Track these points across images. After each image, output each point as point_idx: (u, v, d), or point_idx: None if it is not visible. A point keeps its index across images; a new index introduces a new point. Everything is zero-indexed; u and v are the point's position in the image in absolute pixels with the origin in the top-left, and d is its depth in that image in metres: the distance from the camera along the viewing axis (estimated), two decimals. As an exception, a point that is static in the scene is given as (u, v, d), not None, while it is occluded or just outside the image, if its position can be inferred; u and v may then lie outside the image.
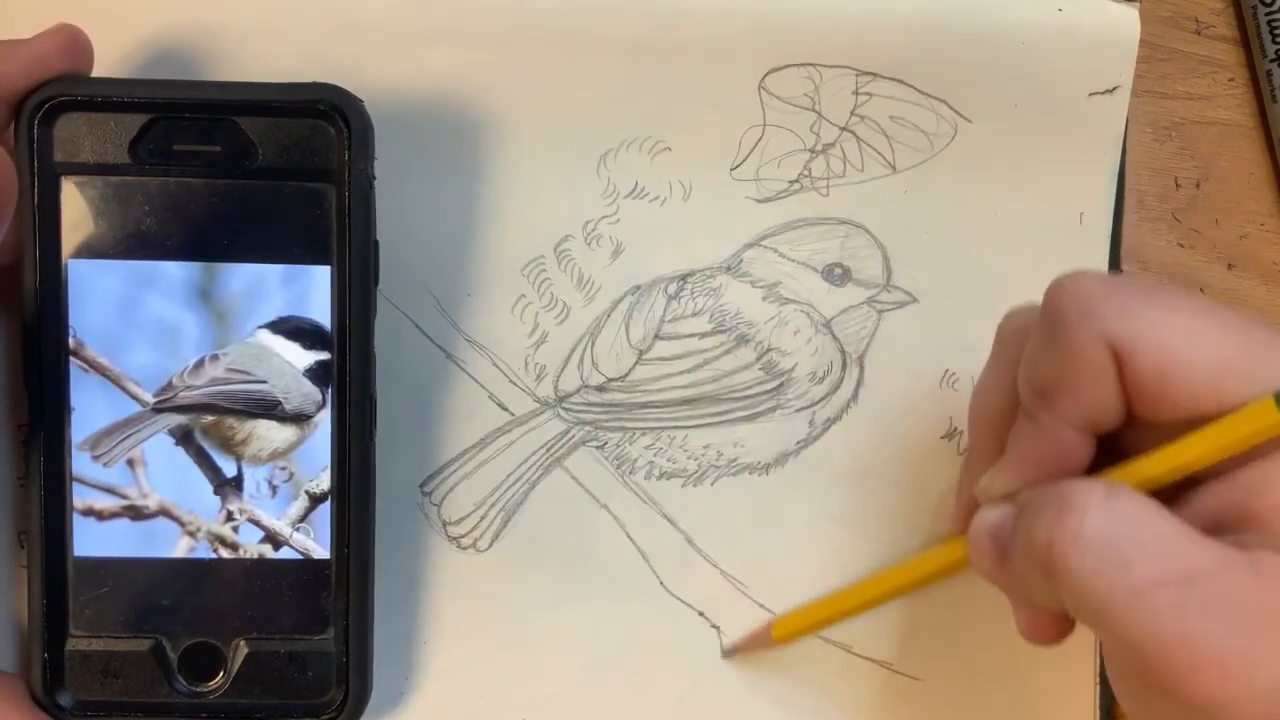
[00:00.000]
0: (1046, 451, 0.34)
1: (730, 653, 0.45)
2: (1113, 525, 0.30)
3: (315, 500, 0.41)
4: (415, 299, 0.45)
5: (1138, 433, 0.34)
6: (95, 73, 0.40)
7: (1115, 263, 0.46)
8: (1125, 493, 0.31)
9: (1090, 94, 0.45)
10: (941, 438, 0.46)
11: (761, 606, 0.45)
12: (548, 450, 0.45)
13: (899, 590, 0.40)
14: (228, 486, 0.41)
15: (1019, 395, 0.35)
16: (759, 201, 0.46)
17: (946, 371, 0.46)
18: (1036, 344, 0.34)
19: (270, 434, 0.41)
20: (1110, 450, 0.34)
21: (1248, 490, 0.32)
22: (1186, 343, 0.32)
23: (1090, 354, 0.32)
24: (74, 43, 0.39)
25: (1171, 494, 0.33)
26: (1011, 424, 0.36)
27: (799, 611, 0.44)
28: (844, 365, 0.46)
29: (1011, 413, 0.36)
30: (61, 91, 0.39)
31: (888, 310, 0.46)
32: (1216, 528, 0.32)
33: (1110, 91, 0.45)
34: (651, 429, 0.45)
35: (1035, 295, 0.45)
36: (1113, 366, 0.32)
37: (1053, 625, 0.36)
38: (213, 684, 0.41)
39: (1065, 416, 0.33)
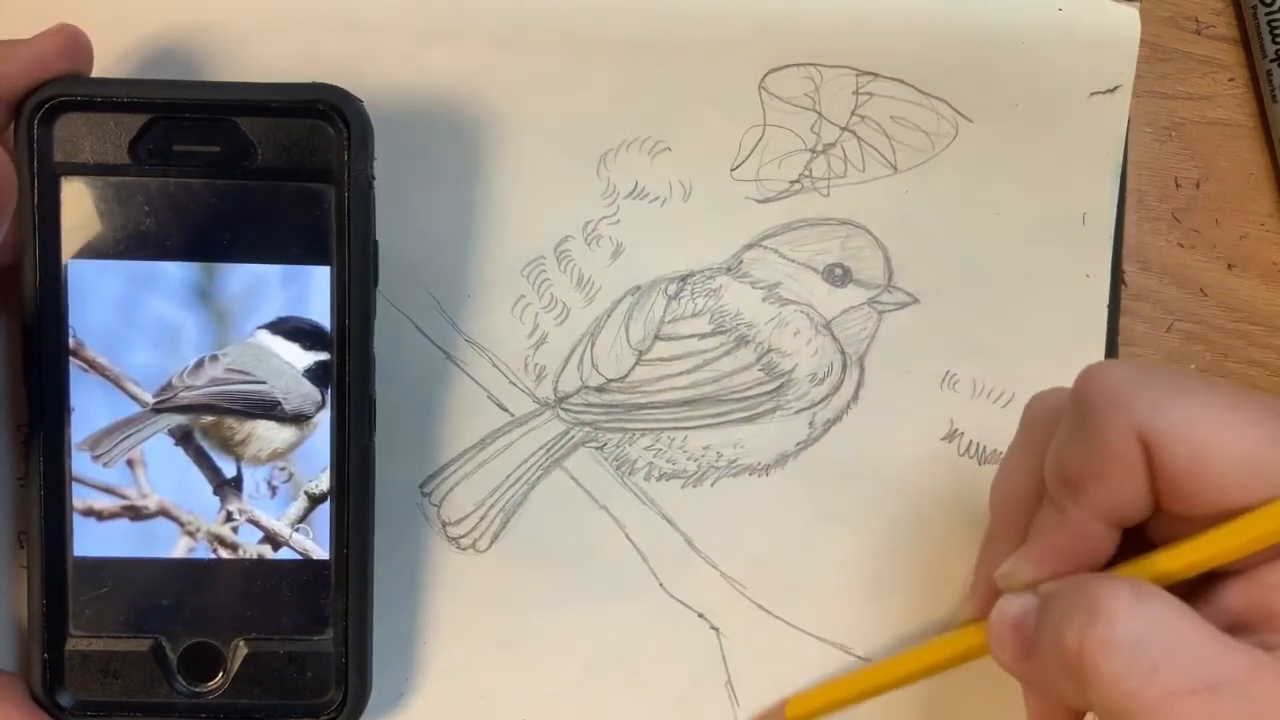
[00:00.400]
0: (1072, 543, 0.34)
1: None
2: (1141, 631, 0.30)
3: (314, 501, 0.41)
4: (415, 299, 0.45)
5: (1162, 522, 0.34)
6: (95, 73, 0.40)
7: (1117, 263, 0.46)
8: (1153, 595, 0.31)
9: (1091, 94, 0.45)
10: (942, 439, 0.46)
11: (761, 607, 0.45)
12: (547, 451, 0.45)
13: (917, 674, 0.40)
14: (227, 487, 0.41)
15: (1045, 482, 0.35)
16: (759, 202, 0.46)
17: (947, 373, 0.46)
18: (1065, 433, 0.34)
19: (270, 434, 0.41)
20: (1133, 535, 0.34)
21: (1272, 588, 0.32)
22: (1218, 437, 0.31)
23: (1121, 446, 0.32)
24: (74, 43, 0.39)
25: (1195, 586, 0.33)
26: (1034, 509, 0.36)
27: (815, 691, 0.43)
28: (844, 366, 0.46)
29: (1035, 498, 0.36)
30: (61, 91, 0.39)
31: (889, 311, 0.46)
32: (1241, 626, 0.32)
33: (1111, 91, 0.46)
34: (651, 430, 0.45)
35: (1038, 297, 0.46)
36: (1143, 459, 0.32)
37: (1065, 718, 0.36)
38: (212, 684, 0.41)
39: (1093, 508, 0.33)
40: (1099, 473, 0.33)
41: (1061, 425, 0.34)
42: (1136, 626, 0.30)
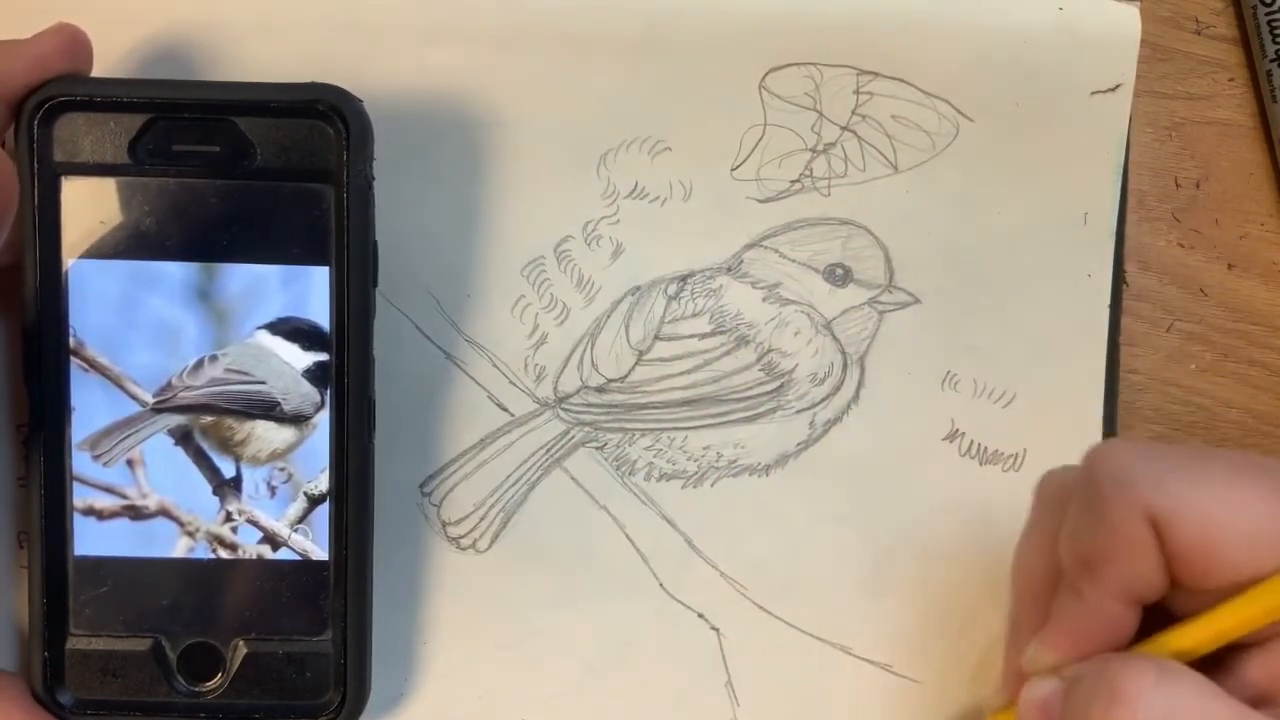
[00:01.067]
0: (1092, 625, 0.34)
1: None
2: (1164, 712, 0.30)
3: (314, 501, 0.41)
4: (415, 299, 0.45)
5: (1182, 596, 0.33)
6: (96, 72, 0.40)
7: (1119, 263, 0.46)
8: (1177, 675, 0.31)
9: (1092, 92, 0.45)
10: (943, 439, 0.46)
11: (761, 608, 0.45)
12: (547, 451, 0.45)
13: None
14: (227, 487, 0.42)
15: (1061, 563, 0.35)
16: (760, 201, 0.46)
17: (949, 373, 0.46)
18: (1077, 514, 0.34)
19: (269, 435, 0.41)
20: (1157, 610, 0.34)
21: None
22: (1225, 511, 0.31)
23: (1130, 527, 0.32)
24: (74, 42, 0.39)
25: (1218, 659, 0.33)
26: (1054, 588, 0.35)
27: None
28: (845, 366, 0.46)
29: (1054, 577, 0.36)
30: (61, 91, 0.39)
31: (889, 311, 0.46)
32: (1263, 698, 0.32)
33: (1112, 90, 0.46)
34: (651, 430, 0.46)
35: (1039, 296, 0.46)
36: (1153, 538, 0.32)
37: None
38: (211, 684, 0.41)
39: (1109, 589, 0.33)
40: (1112, 554, 0.33)
41: (1072, 506, 0.34)
42: (1159, 707, 0.30)
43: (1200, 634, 0.33)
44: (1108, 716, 0.30)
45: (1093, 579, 0.33)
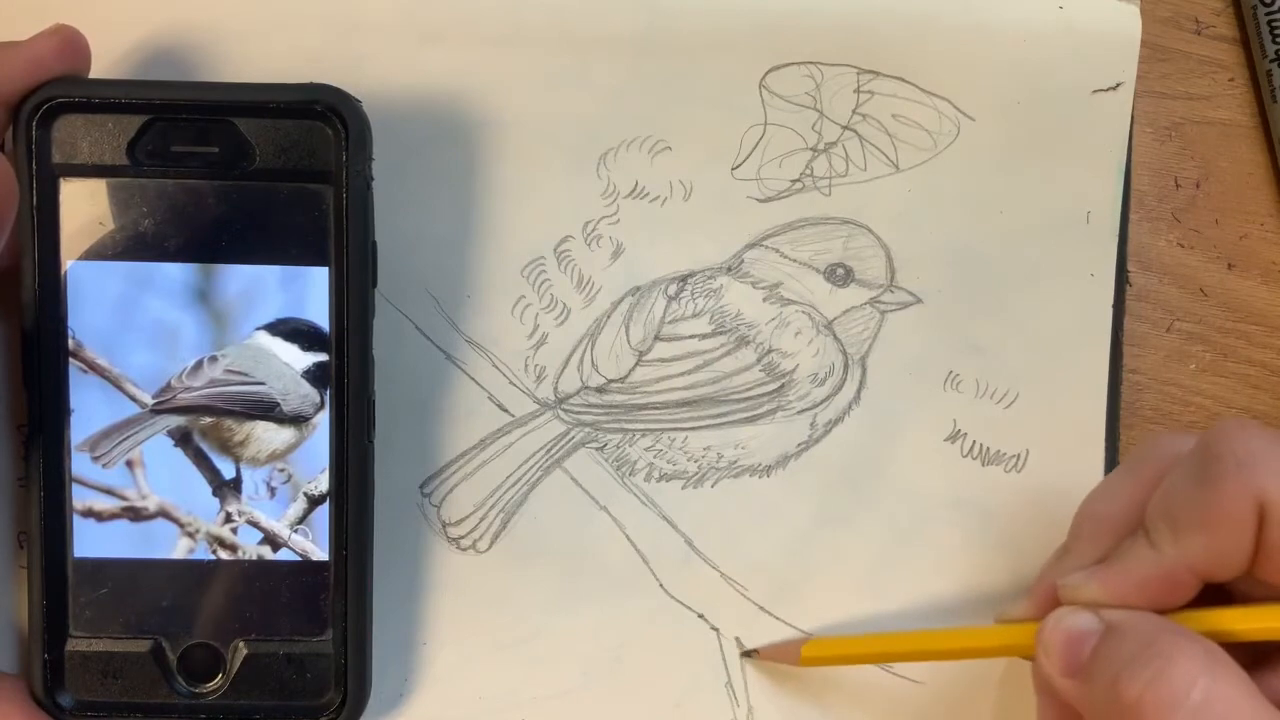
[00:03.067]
0: (1155, 582, 0.34)
1: (750, 654, 0.45)
2: (1203, 700, 0.30)
3: (314, 502, 0.42)
4: (415, 300, 0.45)
5: (1245, 581, 0.34)
6: (95, 73, 0.41)
7: (1122, 262, 0.46)
8: (1223, 666, 0.31)
9: (1093, 91, 0.46)
10: (945, 440, 0.46)
11: (761, 609, 0.45)
12: (547, 452, 0.46)
13: (944, 654, 0.41)
14: (226, 488, 0.42)
15: (1143, 515, 0.35)
16: (760, 201, 0.46)
17: (950, 373, 0.46)
18: (1183, 478, 0.34)
19: (269, 435, 0.42)
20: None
21: None
22: None
23: (1237, 506, 0.32)
24: (71, 43, 0.39)
25: (1257, 655, 0.34)
26: (1121, 535, 0.36)
27: (835, 640, 0.44)
28: (846, 367, 0.46)
29: (1126, 526, 0.36)
30: (60, 93, 0.39)
31: (891, 311, 0.46)
32: None
33: (1114, 88, 0.46)
34: (652, 430, 0.46)
35: (1042, 296, 0.46)
36: (1255, 524, 0.32)
37: None
38: (211, 685, 0.42)
39: (1189, 556, 0.34)
40: (1209, 524, 0.33)
41: (1180, 468, 0.35)
42: (1199, 694, 0.30)
43: (1253, 622, 0.33)
44: (1149, 687, 0.31)
45: (1177, 541, 0.34)
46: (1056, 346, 0.46)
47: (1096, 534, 0.37)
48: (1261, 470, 0.32)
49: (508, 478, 0.46)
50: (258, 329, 0.41)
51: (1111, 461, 0.47)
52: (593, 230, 0.46)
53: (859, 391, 0.46)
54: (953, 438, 0.46)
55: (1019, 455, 0.46)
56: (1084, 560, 0.37)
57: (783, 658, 0.44)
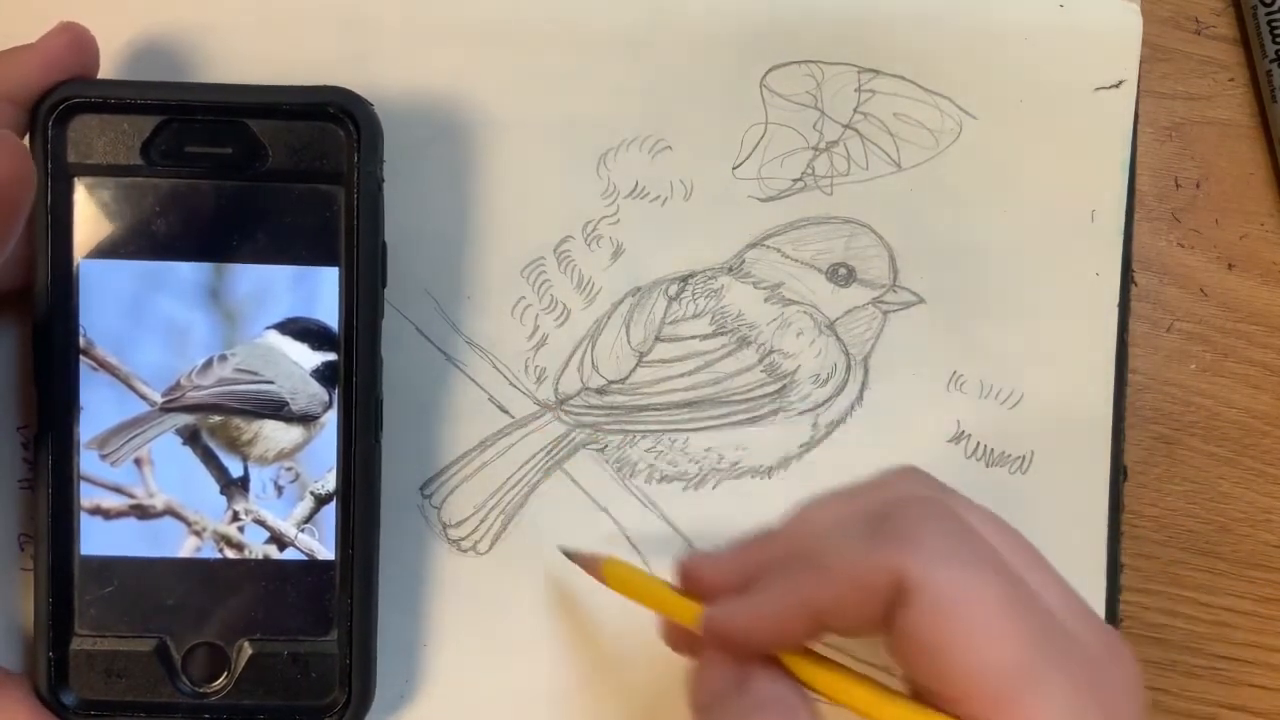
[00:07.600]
0: (789, 611, 0.36)
1: (568, 554, 0.45)
2: None
3: (321, 501, 0.44)
4: (415, 301, 0.47)
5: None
6: (100, 72, 0.43)
7: (1128, 261, 0.48)
8: None
9: (1096, 89, 0.47)
10: (948, 441, 0.48)
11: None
12: (548, 453, 0.47)
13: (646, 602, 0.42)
14: (234, 486, 0.44)
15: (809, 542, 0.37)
16: (761, 201, 0.48)
17: (954, 373, 0.48)
18: (855, 522, 0.36)
19: (277, 434, 0.43)
20: None
21: None
22: (969, 628, 0.33)
23: (874, 578, 0.34)
24: (81, 41, 0.42)
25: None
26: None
27: (639, 573, 0.43)
28: (848, 367, 0.48)
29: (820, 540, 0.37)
30: (75, 93, 0.41)
31: (894, 311, 0.48)
32: None
33: (1116, 86, 0.47)
34: (652, 432, 0.47)
35: (1046, 296, 0.47)
36: (886, 599, 0.34)
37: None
38: (216, 685, 0.44)
39: (814, 598, 0.35)
40: (841, 578, 0.35)
41: (861, 514, 0.36)
42: None
43: (852, 694, 0.36)
44: None
45: (815, 578, 0.35)
46: (1061, 347, 0.48)
47: (801, 535, 0.38)
48: (916, 553, 0.33)
49: (508, 479, 0.47)
50: (268, 328, 0.43)
51: (1117, 463, 0.48)
52: (593, 230, 0.47)
53: (861, 392, 0.48)
54: (957, 439, 0.48)
55: (1024, 457, 0.48)
56: (778, 552, 0.38)
57: (589, 569, 0.44)
